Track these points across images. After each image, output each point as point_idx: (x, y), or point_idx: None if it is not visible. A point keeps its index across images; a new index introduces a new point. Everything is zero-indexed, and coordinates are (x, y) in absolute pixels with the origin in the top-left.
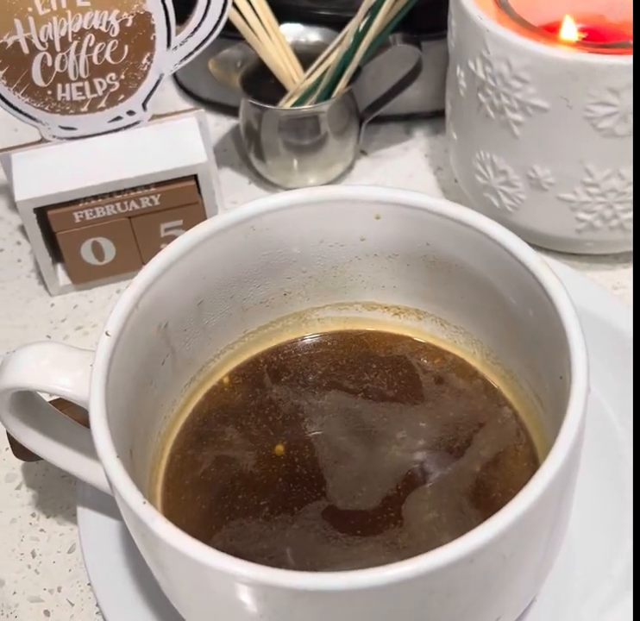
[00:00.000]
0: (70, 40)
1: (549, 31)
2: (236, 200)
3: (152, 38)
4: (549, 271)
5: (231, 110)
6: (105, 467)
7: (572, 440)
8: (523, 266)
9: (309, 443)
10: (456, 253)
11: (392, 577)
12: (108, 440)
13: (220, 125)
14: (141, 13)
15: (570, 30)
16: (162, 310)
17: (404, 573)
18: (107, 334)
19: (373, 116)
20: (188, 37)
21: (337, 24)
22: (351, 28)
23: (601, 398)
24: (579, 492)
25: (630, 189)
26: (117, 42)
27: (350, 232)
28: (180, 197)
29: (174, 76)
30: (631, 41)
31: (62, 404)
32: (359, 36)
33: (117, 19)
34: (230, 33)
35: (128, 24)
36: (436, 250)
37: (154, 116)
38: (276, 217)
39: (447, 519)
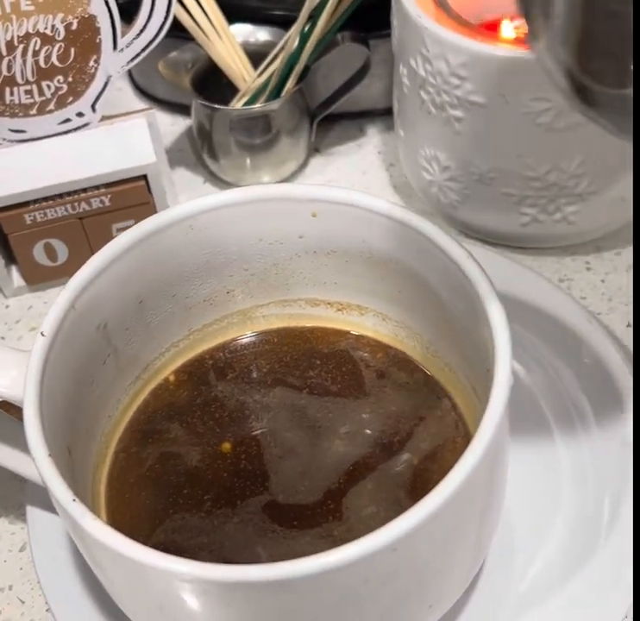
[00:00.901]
0: (16, 44)
1: (489, 29)
2: (191, 199)
3: (98, 40)
4: (475, 265)
5: (186, 110)
6: (37, 465)
7: (493, 429)
8: (451, 260)
9: (254, 440)
10: (390, 249)
11: (315, 567)
12: (40, 438)
13: (176, 125)
14: (86, 16)
15: (508, 28)
16: (101, 310)
17: (329, 562)
18: (42, 334)
19: (325, 114)
20: (134, 39)
21: (287, 24)
22: (295, 29)
23: (540, 388)
24: (515, 480)
25: (572, 182)
26: (63, 45)
27: (288, 230)
28: (131, 198)
29: (130, 76)
30: None
31: (9, 404)
32: (304, 36)
33: (62, 22)
34: (180, 33)
35: (74, 27)
36: (371, 247)
37: (104, 118)
38: (213, 217)
39: (385, 513)
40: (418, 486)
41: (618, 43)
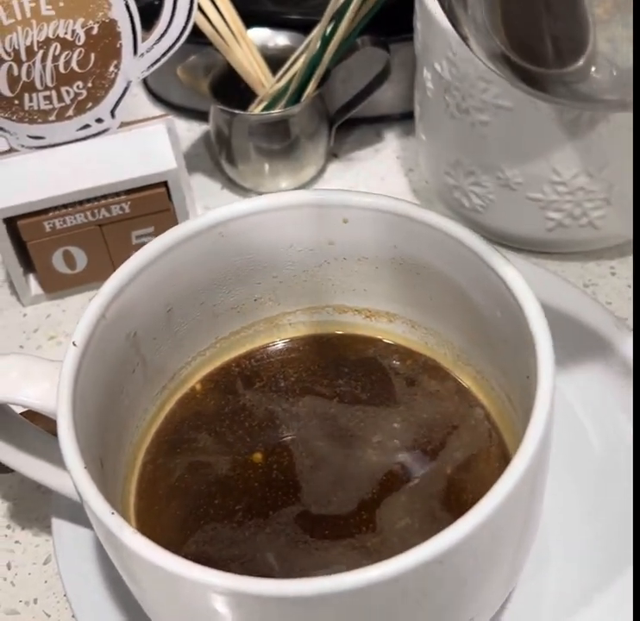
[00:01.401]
0: (35, 49)
1: None
2: (209, 205)
3: (118, 45)
4: (514, 272)
5: (202, 116)
6: (73, 478)
7: (538, 439)
8: (488, 267)
9: (285, 449)
10: (423, 255)
11: (356, 582)
12: (75, 451)
13: (192, 131)
14: (107, 21)
15: None
16: (131, 318)
17: (369, 577)
18: (74, 344)
19: (344, 119)
20: (154, 44)
21: (305, 28)
22: (317, 32)
23: (570, 395)
24: (551, 490)
25: (598, 187)
26: (83, 50)
27: (319, 236)
28: (151, 205)
29: (145, 82)
30: None
31: (35, 414)
32: (325, 40)
33: (83, 27)
34: (198, 39)
35: (94, 32)
36: (403, 253)
37: (123, 124)
38: (243, 224)
39: (419, 524)
40: (452, 497)
41: (536, 28)
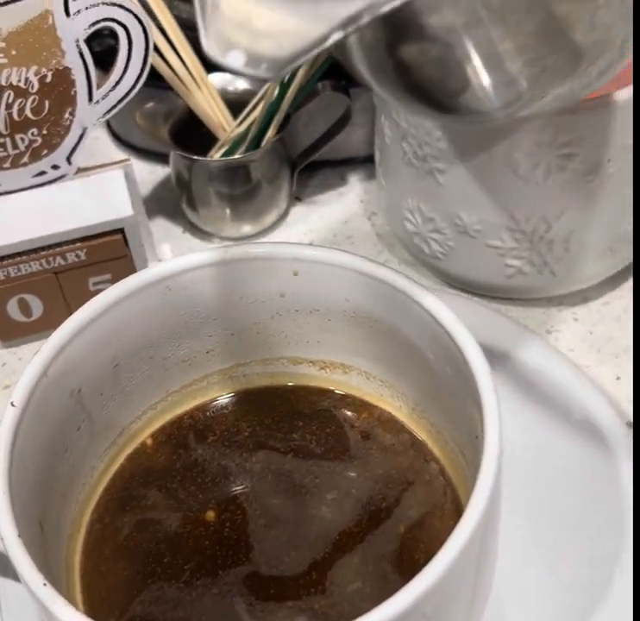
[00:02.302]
0: None
1: None
2: (171, 249)
3: (73, 93)
4: (463, 329)
5: (165, 158)
6: (6, 546)
7: (485, 502)
8: (438, 323)
9: (238, 507)
10: (375, 309)
11: None
12: (9, 517)
13: (154, 174)
14: (61, 68)
15: None
16: (74, 375)
17: None
18: (12, 404)
19: (306, 163)
20: (110, 91)
21: None
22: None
23: (526, 446)
24: (505, 548)
25: (556, 234)
26: (37, 98)
27: (269, 289)
28: (107, 252)
29: (108, 124)
30: None
31: None
32: (283, 87)
33: (36, 75)
34: (158, 82)
35: (48, 80)
36: (355, 306)
37: (80, 170)
38: (192, 277)
39: (370, 588)
40: (405, 557)
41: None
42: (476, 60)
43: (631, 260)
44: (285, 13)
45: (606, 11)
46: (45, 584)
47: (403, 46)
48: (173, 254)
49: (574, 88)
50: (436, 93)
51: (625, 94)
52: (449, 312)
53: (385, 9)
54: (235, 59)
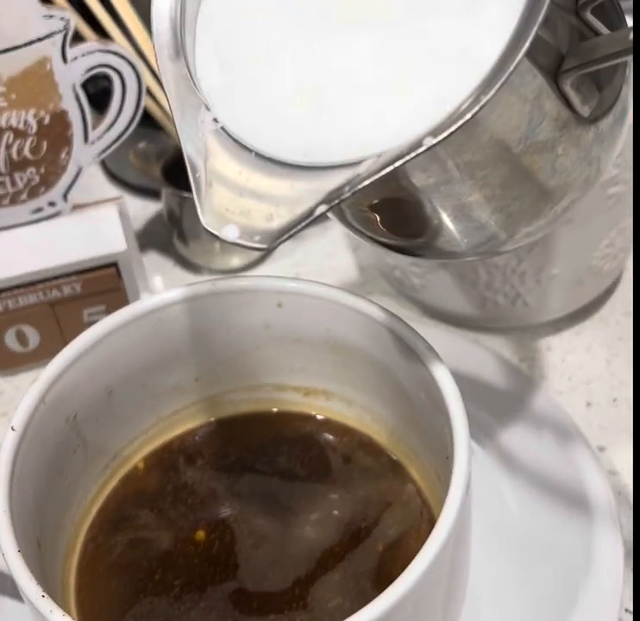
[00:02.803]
0: None
1: None
2: (163, 281)
3: (69, 134)
4: (435, 356)
5: (157, 195)
6: (7, 560)
7: (454, 515)
8: (412, 352)
9: (227, 527)
10: (354, 338)
11: None
12: (10, 534)
13: (146, 209)
14: (58, 111)
15: None
16: (70, 402)
17: None
18: (12, 429)
19: None
20: (105, 132)
21: None
22: None
23: (502, 471)
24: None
25: (527, 267)
26: (36, 139)
27: (254, 320)
28: (102, 284)
29: (102, 162)
30: None
31: None
32: None
33: (35, 117)
34: (151, 123)
35: (46, 122)
36: (335, 336)
37: (76, 206)
38: (181, 308)
39: (350, 604)
40: (383, 575)
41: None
42: (446, 212)
43: (600, 292)
44: (273, 185)
45: (566, 158)
46: (43, 595)
47: (372, 202)
48: (165, 286)
49: (541, 225)
50: (406, 238)
51: None
52: (423, 341)
53: (366, 183)
54: (231, 233)
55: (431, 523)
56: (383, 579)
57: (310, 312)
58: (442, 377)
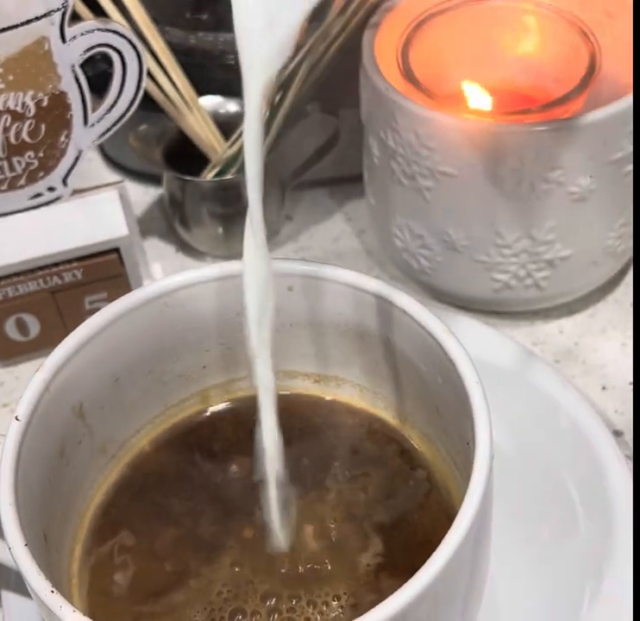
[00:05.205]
0: None
1: (458, 99)
2: (165, 267)
3: (68, 116)
4: (453, 339)
5: (157, 180)
6: (14, 555)
7: (477, 504)
8: (429, 334)
9: (237, 515)
10: (366, 322)
11: None
12: (16, 527)
13: (147, 195)
14: (57, 93)
15: (477, 98)
16: (76, 390)
17: None
18: (17, 418)
19: (297, 183)
20: (105, 114)
21: None
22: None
23: (516, 454)
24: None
25: (541, 249)
26: (34, 122)
27: None
28: (103, 271)
29: (100, 147)
30: (536, 107)
31: None
32: (274, 107)
33: (33, 99)
34: (151, 105)
35: (44, 104)
36: (347, 320)
37: (75, 191)
38: (188, 293)
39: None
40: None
41: None
42: None
43: (615, 273)
44: None
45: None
46: (52, 591)
47: None
48: (166, 272)
49: None
50: None
51: (606, 112)
52: (441, 324)
53: None
54: None
55: (449, 511)
56: (399, 568)
57: (321, 296)
58: (462, 360)
